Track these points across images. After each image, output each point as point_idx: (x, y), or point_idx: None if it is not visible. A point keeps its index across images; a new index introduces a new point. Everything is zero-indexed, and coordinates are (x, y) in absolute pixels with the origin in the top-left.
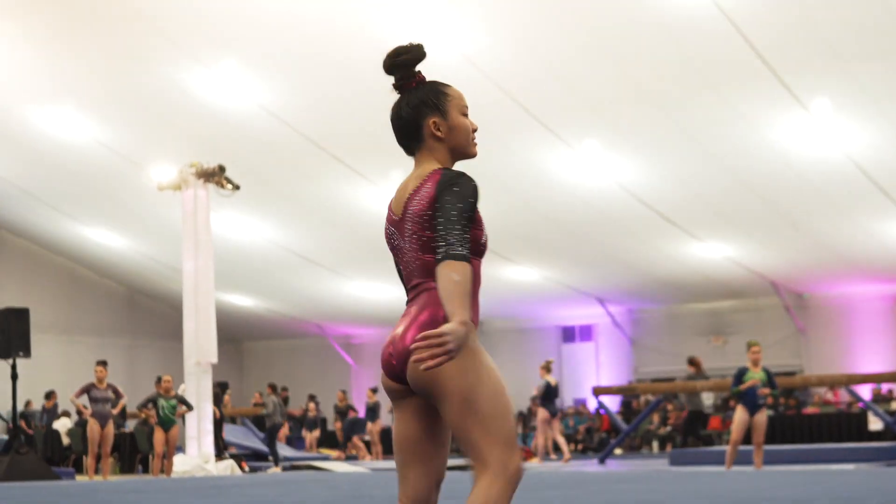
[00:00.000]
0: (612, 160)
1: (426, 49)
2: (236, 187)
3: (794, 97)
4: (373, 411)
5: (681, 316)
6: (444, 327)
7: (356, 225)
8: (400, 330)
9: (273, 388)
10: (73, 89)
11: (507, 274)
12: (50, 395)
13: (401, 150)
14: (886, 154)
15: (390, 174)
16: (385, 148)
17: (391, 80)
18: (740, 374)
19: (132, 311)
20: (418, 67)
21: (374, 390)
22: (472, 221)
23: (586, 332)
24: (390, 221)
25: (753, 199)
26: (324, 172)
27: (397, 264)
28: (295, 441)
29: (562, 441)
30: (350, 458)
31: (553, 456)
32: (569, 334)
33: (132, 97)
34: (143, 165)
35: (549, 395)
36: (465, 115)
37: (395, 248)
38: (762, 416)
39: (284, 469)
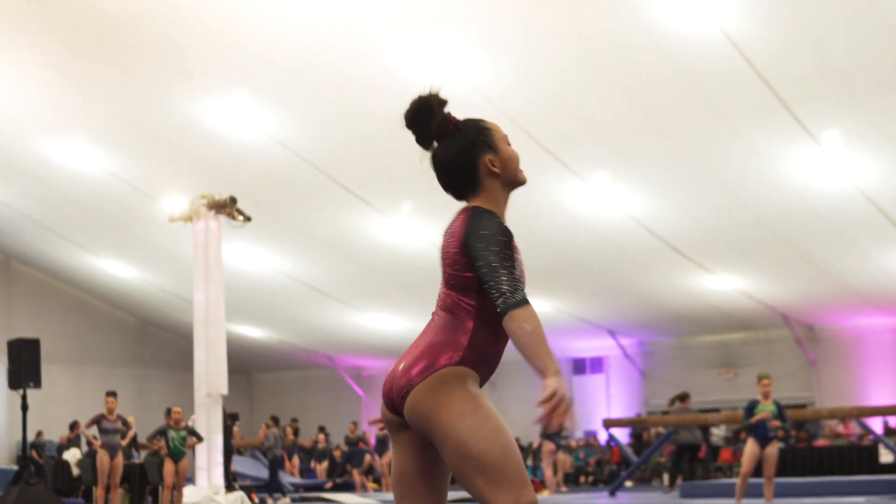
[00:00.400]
0: (622, 192)
1: (437, 80)
2: (248, 219)
3: (805, 130)
4: (383, 443)
5: (691, 348)
6: (548, 387)
7: (367, 256)
8: (402, 366)
9: (275, 420)
10: (85, 120)
11: None
12: (74, 426)
13: (412, 182)
14: None
15: (401, 206)
16: (396, 180)
17: (415, 133)
18: (751, 407)
19: (143, 342)
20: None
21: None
22: (512, 259)
23: (597, 364)
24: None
25: (764, 231)
26: (335, 204)
27: None
28: (305, 472)
29: (549, 474)
30: (345, 487)
31: (564, 488)
32: (580, 366)
33: (144, 128)
34: (155, 196)
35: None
36: (509, 143)
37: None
38: (773, 449)
39: (293, 500)
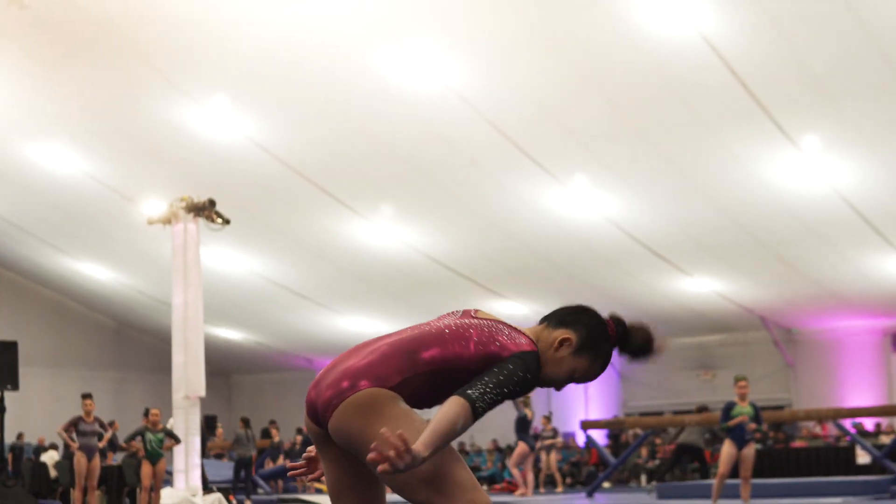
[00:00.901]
0: (601, 196)
1: (416, 85)
2: (226, 221)
3: (783, 134)
4: None
5: (669, 350)
6: (413, 448)
7: (346, 259)
8: (331, 376)
9: (245, 422)
10: (65, 124)
11: (496, 308)
12: (111, 423)
13: (392, 186)
14: (875, 190)
15: (381, 209)
16: (376, 183)
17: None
18: (728, 409)
19: (121, 345)
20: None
21: None
22: (513, 396)
23: None
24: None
25: (742, 234)
26: (314, 207)
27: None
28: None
29: (516, 473)
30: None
31: (542, 490)
32: None
33: (123, 131)
34: (134, 199)
35: (524, 427)
36: (572, 380)
37: (448, 317)
38: (750, 450)
39: (272, 502)
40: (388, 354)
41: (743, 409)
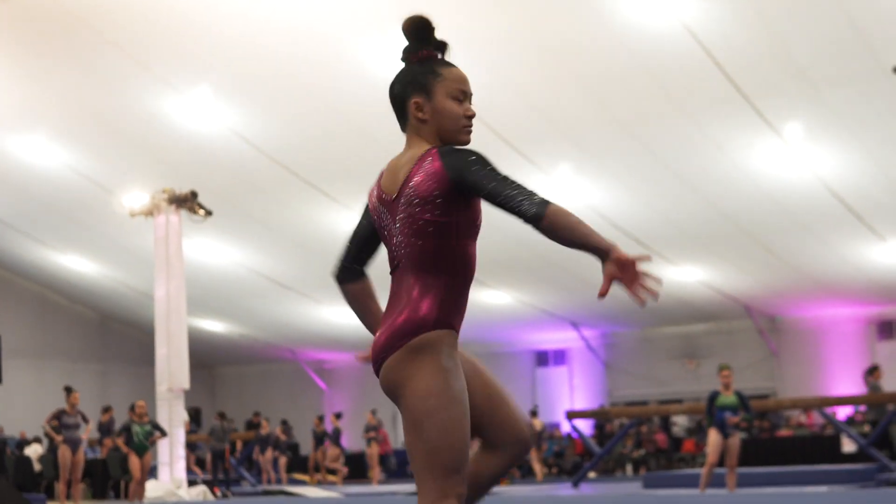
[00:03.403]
0: (585, 185)
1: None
2: (208, 213)
3: (766, 122)
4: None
5: (654, 339)
6: (611, 259)
7: (329, 249)
8: (379, 334)
9: (221, 415)
10: (45, 115)
11: (480, 298)
12: (108, 409)
13: (374, 175)
14: (858, 178)
15: (363, 198)
16: (358, 172)
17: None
18: (712, 398)
19: (104, 337)
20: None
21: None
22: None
23: (560, 357)
24: (380, 200)
25: (726, 223)
26: (297, 197)
27: (385, 247)
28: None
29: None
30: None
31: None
32: (542, 358)
33: (104, 123)
34: (116, 191)
35: None
36: (459, 99)
37: (382, 229)
38: (735, 440)
39: (257, 494)
40: (409, 291)
41: (727, 399)
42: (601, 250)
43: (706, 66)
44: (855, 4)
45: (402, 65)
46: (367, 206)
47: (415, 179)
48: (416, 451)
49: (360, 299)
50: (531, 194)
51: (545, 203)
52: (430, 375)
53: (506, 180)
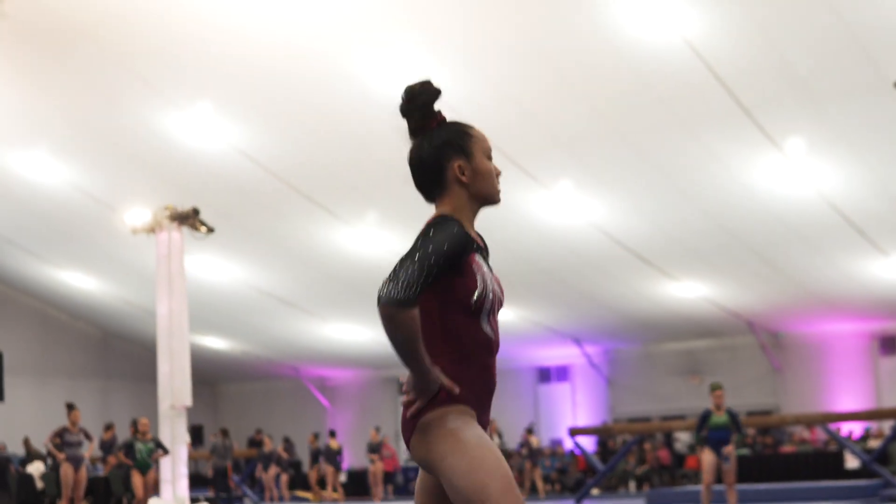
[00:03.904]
0: (586, 201)
1: (399, 92)
2: (210, 230)
3: (767, 137)
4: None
5: (657, 356)
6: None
7: (332, 266)
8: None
9: (224, 432)
10: (47, 132)
11: None
12: (110, 427)
13: (376, 192)
14: (860, 193)
15: (366, 215)
16: (360, 189)
17: (405, 123)
18: (704, 418)
19: (106, 354)
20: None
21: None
22: (439, 267)
23: (562, 373)
24: None
25: (728, 238)
26: (299, 214)
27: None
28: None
29: None
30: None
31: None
32: (545, 375)
33: (106, 140)
34: (118, 208)
35: None
36: (489, 157)
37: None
38: (730, 457)
39: None
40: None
41: (719, 419)
42: (425, 370)
43: (707, 81)
44: (856, 19)
45: (404, 126)
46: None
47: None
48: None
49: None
50: (396, 282)
51: (382, 299)
52: (441, 443)
53: (407, 259)
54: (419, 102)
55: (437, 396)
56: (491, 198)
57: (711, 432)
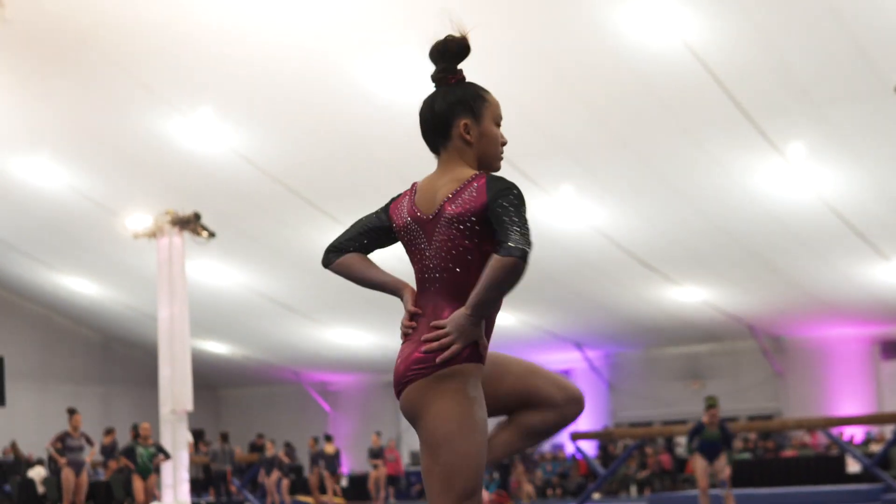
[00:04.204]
0: (587, 205)
1: (399, 95)
2: (212, 234)
3: (768, 142)
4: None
5: (658, 360)
6: (448, 320)
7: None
8: (405, 354)
9: (224, 436)
10: (49, 137)
11: None
12: (110, 431)
13: (376, 196)
14: (861, 197)
15: None
16: (361, 194)
17: (431, 69)
18: (697, 431)
19: (107, 359)
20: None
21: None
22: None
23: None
24: (413, 217)
25: (730, 243)
26: (301, 219)
27: (412, 263)
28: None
29: None
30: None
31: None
32: None
33: (108, 145)
34: (119, 213)
35: None
36: (499, 125)
37: (411, 246)
38: (721, 462)
39: None
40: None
41: (712, 433)
42: (473, 306)
43: (709, 86)
44: (857, 24)
45: (428, 82)
46: (389, 213)
47: (458, 201)
48: (431, 475)
49: (357, 263)
50: (520, 242)
51: (514, 254)
52: (455, 402)
53: (518, 223)
54: (450, 53)
55: (466, 352)
56: (491, 163)
57: (703, 442)
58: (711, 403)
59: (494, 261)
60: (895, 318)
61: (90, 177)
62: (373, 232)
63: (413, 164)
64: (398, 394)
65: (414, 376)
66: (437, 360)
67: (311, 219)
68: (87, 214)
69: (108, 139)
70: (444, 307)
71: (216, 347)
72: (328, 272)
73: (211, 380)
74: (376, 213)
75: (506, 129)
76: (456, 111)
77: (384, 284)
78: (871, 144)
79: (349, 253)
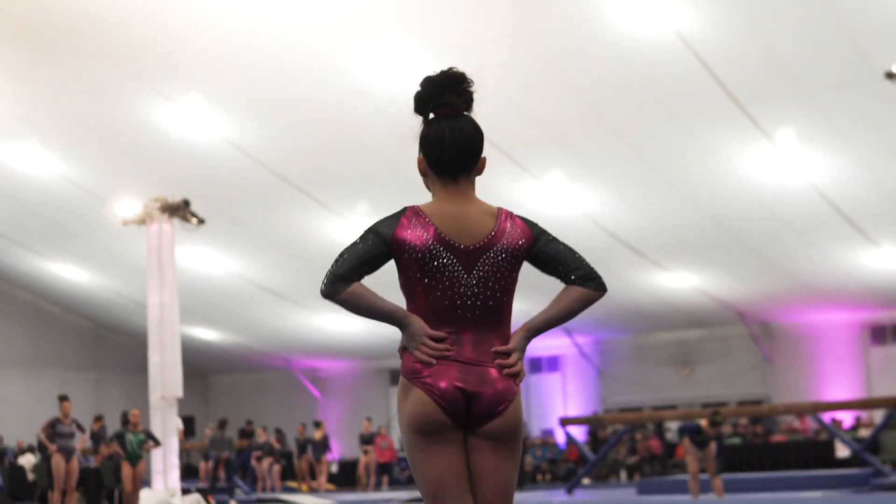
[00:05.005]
0: (577, 192)
1: (389, 83)
2: (201, 221)
3: (758, 128)
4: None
5: (648, 346)
6: (514, 345)
7: (323, 257)
8: (494, 372)
9: (221, 424)
10: (38, 124)
11: None
12: (99, 418)
13: (367, 183)
14: (850, 183)
15: (356, 206)
16: (351, 180)
17: (437, 99)
18: (692, 431)
19: (97, 346)
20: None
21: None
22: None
23: (553, 363)
24: (446, 245)
25: (719, 229)
26: (290, 205)
27: (436, 290)
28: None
29: None
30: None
31: None
32: (536, 365)
33: (97, 132)
34: (108, 200)
35: None
36: None
37: (437, 273)
38: (711, 449)
39: (252, 502)
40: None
41: (708, 436)
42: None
43: (698, 73)
44: (847, 11)
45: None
46: (392, 240)
47: (507, 236)
48: (510, 488)
49: (366, 293)
50: (595, 276)
51: (600, 287)
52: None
53: (579, 257)
54: (469, 87)
55: None
56: None
57: (695, 435)
58: (717, 421)
59: (583, 293)
60: (884, 304)
61: (79, 164)
62: (373, 261)
63: (402, 151)
64: (489, 416)
65: (511, 397)
66: (518, 382)
67: (300, 205)
68: (77, 201)
69: (97, 126)
70: (487, 331)
71: (206, 334)
72: (318, 258)
73: (201, 366)
74: (370, 241)
75: (496, 116)
76: (482, 144)
77: (392, 314)
78: (860, 130)
79: (355, 283)
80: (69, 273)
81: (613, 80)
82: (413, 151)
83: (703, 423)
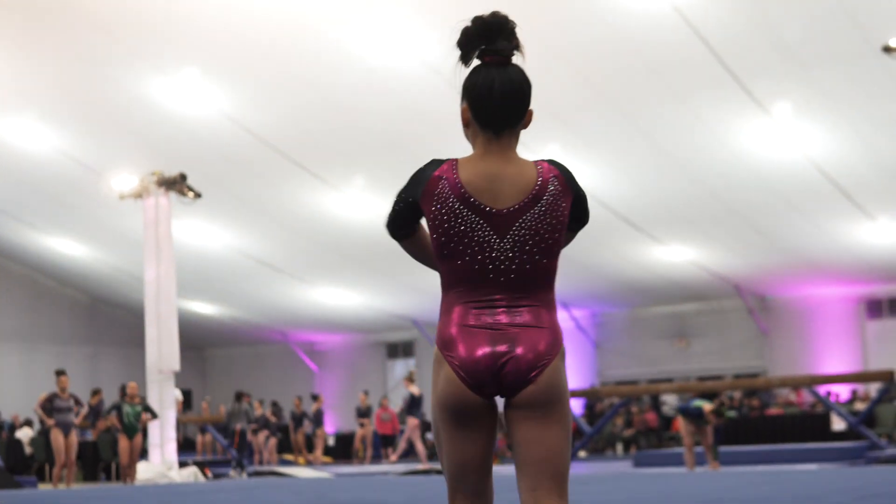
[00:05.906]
0: (573, 165)
1: (387, 58)
2: (198, 195)
3: (755, 101)
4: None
5: (644, 319)
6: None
7: (320, 231)
8: (520, 346)
9: (237, 396)
10: (34, 99)
11: None
12: (97, 392)
13: (364, 156)
14: (847, 157)
15: (353, 180)
16: (348, 154)
17: (481, 44)
18: (693, 414)
19: (94, 320)
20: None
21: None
22: None
23: None
24: (475, 210)
25: (716, 202)
26: (287, 179)
27: (463, 255)
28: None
29: (420, 447)
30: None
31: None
32: None
33: (93, 106)
34: (105, 174)
35: (414, 404)
36: None
37: (464, 237)
38: (708, 434)
39: (249, 475)
40: (544, 307)
41: (711, 421)
42: None
43: (694, 45)
44: None
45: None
46: (421, 204)
47: (546, 196)
48: (563, 453)
49: (415, 248)
50: None
51: None
52: (566, 383)
53: None
54: (511, 29)
55: (562, 333)
56: None
57: (696, 419)
58: (722, 413)
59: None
60: (880, 278)
61: (76, 138)
62: (411, 219)
63: (400, 125)
64: (522, 383)
65: (546, 362)
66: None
67: (297, 179)
68: (73, 175)
69: (93, 100)
70: (524, 296)
71: (203, 308)
72: (314, 232)
73: (197, 340)
74: (405, 204)
75: None
76: (530, 96)
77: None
78: (857, 104)
79: (406, 239)
80: (66, 247)
81: (610, 53)
82: (407, 125)
83: (707, 407)
